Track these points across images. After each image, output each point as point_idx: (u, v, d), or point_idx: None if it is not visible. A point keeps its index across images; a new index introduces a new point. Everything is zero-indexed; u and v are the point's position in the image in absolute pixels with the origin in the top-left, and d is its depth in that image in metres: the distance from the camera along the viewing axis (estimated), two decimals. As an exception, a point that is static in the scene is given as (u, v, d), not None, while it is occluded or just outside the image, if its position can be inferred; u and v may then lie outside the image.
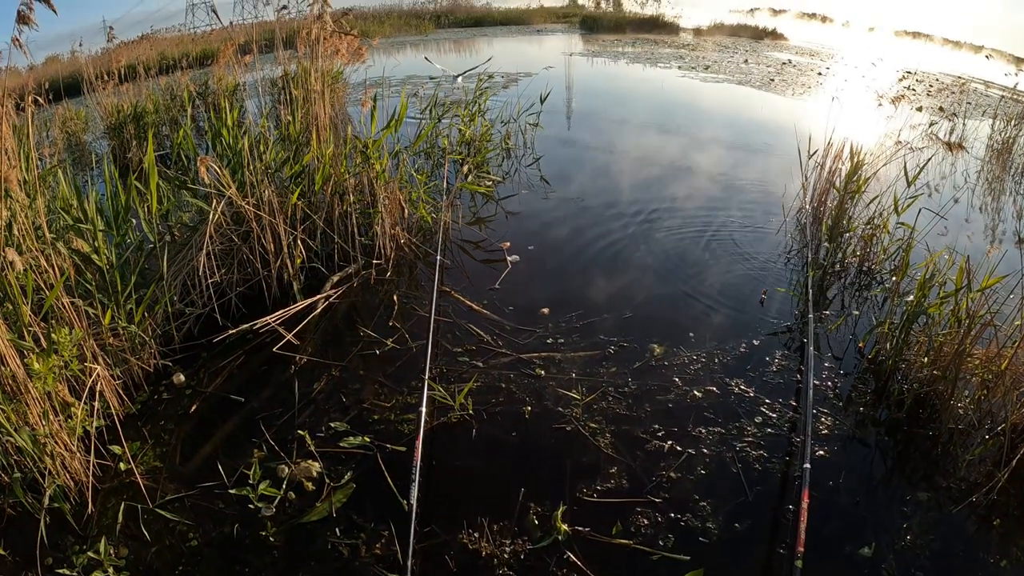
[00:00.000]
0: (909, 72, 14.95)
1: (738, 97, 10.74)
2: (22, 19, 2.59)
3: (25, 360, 2.19)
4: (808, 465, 2.20)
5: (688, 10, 29.34)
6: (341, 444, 2.54)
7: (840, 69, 15.78)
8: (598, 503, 2.25)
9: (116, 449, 2.45)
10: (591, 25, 26.86)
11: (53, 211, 2.95)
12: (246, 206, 3.37)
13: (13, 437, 2.12)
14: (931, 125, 8.15)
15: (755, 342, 3.23)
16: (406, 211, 4.23)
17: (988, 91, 13.05)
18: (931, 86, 13.46)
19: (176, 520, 2.21)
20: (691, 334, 3.29)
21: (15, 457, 2.18)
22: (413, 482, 2.13)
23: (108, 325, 2.71)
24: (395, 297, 3.62)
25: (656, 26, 26.08)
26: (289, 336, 3.20)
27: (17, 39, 2.70)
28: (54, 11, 2.65)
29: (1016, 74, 11.07)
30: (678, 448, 2.50)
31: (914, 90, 12.26)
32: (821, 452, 2.50)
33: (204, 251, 3.18)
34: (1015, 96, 10.85)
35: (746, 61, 15.93)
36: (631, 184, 5.68)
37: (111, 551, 2.08)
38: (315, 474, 2.38)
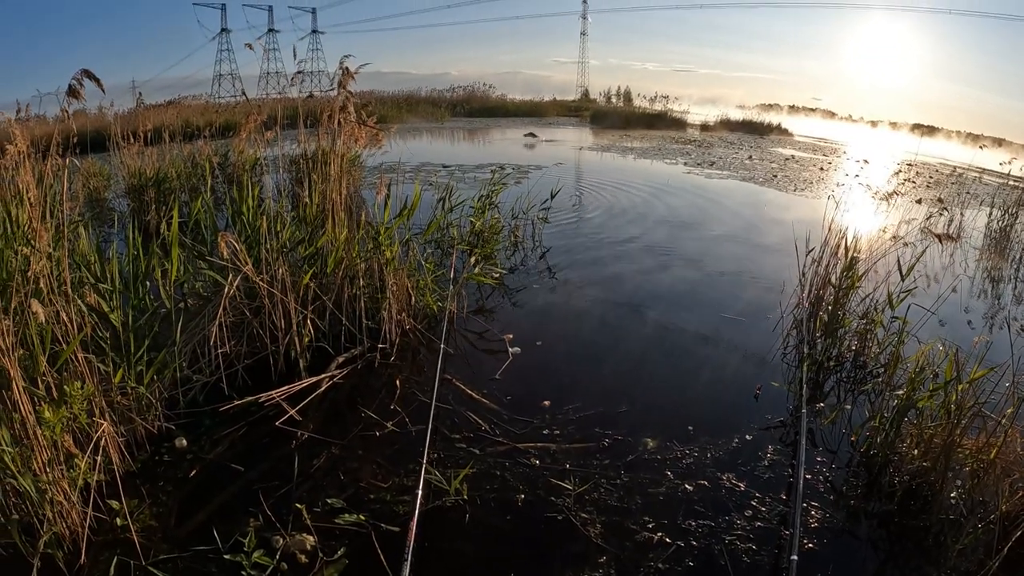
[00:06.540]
0: (910, 164, 15.41)
1: (741, 193, 11.10)
2: (73, 93, 2.84)
3: (36, 408, 2.27)
4: (795, 557, 2.22)
5: (695, 107, 30.70)
6: (336, 520, 2.57)
7: (842, 163, 16.30)
8: (585, 591, 2.26)
9: (114, 504, 2.50)
10: (601, 119, 28.03)
11: (73, 266, 3.06)
12: (260, 283, 3.53)
13: (16, 480, 2.17)
14: (928, 218, 8.36)
15: (748, 437, 3.27)
16: (413, 298, 4.36)
17: (984, 178, 13.41)
18: (931, 177, 13.85)
19: (166, 580, 2.22)
20: (690, 427, 3.33)
21: (14, 500, 2.23)
22: (405, 561, 2.17)
23: (118, 383, 2.81)
24: (397, 381, 3.71)
25: (664, 121, 27.26)
26: (292, 411, 3.28)
27: (66, 111, 2.98)
28: (102, 90, 2.90)
29: (1010, 162, 11.43)
30: (667, 540, 2.51)
31: (914, 182, 12.62)
32: (811, 545, 2.50)
33: (216, 322, 3.31)
34: (1012, 183, 11.14)
35: (750, 157, 16.53)
36: (634, 278, 5.84)
37: (99, 603, 2.09)
38: (309, 547, 2.40)
